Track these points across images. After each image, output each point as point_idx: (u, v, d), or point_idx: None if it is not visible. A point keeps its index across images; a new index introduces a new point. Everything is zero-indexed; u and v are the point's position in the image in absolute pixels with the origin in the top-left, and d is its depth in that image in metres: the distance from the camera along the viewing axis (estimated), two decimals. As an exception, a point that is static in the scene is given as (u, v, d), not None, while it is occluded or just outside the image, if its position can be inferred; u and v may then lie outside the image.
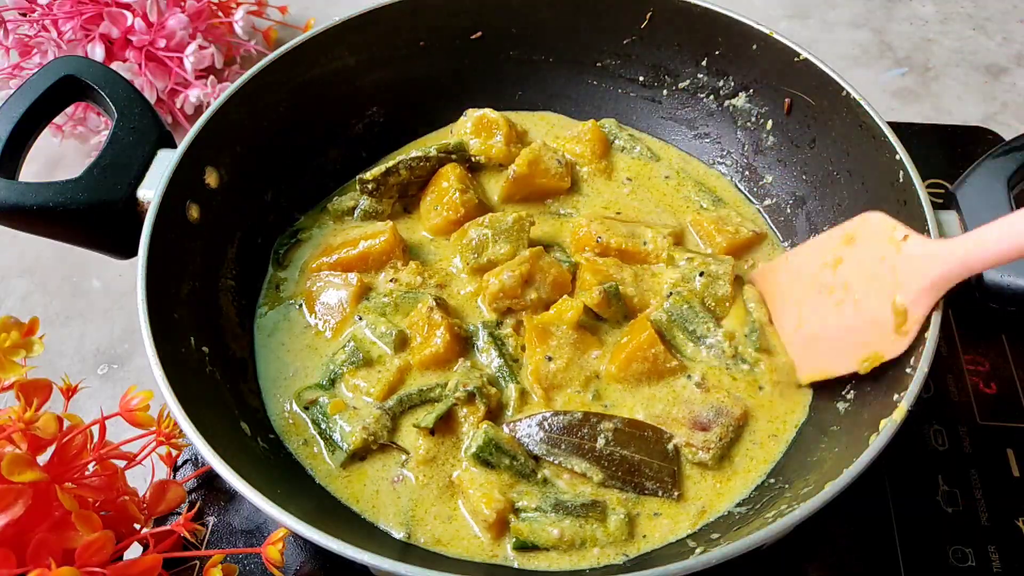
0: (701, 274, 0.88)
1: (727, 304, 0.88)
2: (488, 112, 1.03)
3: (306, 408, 0.83)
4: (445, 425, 0.80)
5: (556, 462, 0.77)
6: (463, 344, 0.86)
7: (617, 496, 0.76)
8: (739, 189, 1.03)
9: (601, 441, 0.77)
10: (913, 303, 0.72)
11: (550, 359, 0.82)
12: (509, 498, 0.75)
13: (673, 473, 0.77)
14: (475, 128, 1.02)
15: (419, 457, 0.78)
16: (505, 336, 0.86)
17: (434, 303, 0.85)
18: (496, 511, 0.73)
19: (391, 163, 0.95)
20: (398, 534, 0.75)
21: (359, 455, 0.80)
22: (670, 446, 0.77)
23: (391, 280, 0.91)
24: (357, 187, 0.96)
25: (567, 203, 1.01)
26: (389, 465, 0.80)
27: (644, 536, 0.75)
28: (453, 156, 0.99)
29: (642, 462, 0.76)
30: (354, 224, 0.98)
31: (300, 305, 0.91)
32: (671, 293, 0.88)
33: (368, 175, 0.95)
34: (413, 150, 0.97)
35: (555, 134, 1.07)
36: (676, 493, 0.76)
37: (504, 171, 1.00)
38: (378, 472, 0.79)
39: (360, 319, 0.88)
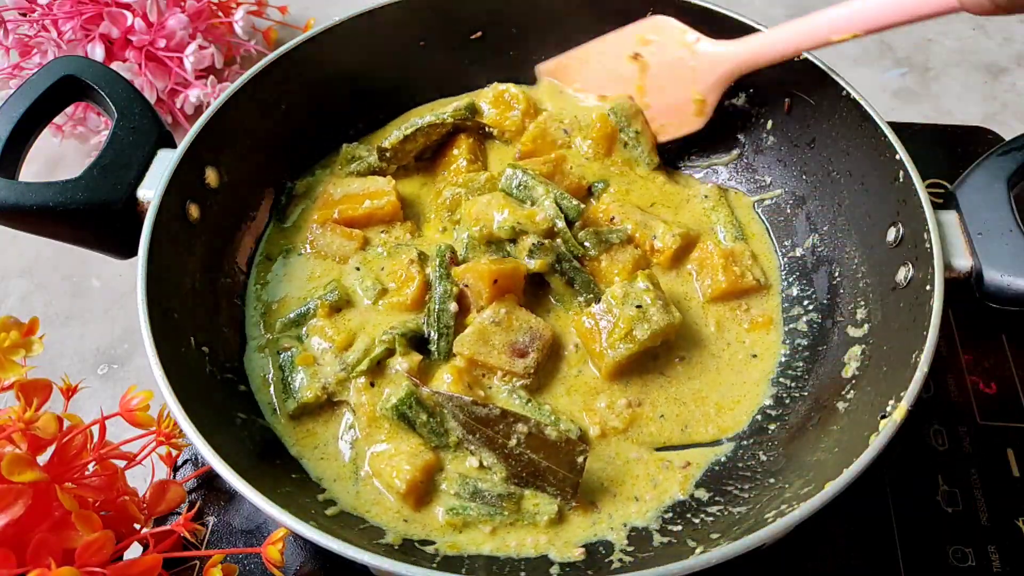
0: (639, 306, 0.83)
1: (627, 345, 0.83)
2: (511, 87, 1.05)
3: (278, 353, 0.86)
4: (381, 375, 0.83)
5: (469, 449, 0.78)
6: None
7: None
8: (768, 231, 1.00)
9: (513, 441, 0.76)
10: (709, 92, 0.96)
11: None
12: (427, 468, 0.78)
13: (575, 484, 0.76)
14: (495, 99, 1.04)
15: (361, 410, 0.81)
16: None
17: (416, 256, 0.89)
18: (408, 482, 0.76)
19: (409, 130, 0.98)
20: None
21: (308, 409, 0.82)
22: (579, 459, 0.76)
23: (382, 231, 0.95)
24: (376, 154, 0.99)
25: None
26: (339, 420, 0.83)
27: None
28: (468, 123, 1.02)
29: (548, 469, 0.76)
30: (352, 173, 1.00)
31: (302, 253, 0.95)
32: (599, 298, 0.86)
33: (387, 144, 0.98)
34: (428, 114, 1.00)
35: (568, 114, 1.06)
36: (573, 504, 0.77)
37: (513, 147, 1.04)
38: (327, 428, 0.82)
39: (358, 269, 0.91)
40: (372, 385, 0.82)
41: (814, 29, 0.83)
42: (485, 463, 0.78)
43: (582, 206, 0.92)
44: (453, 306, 0.85)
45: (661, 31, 0.96)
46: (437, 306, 0.85)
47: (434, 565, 0.70)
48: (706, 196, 1.01)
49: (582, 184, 0.99)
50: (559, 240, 0.89)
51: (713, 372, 0.88)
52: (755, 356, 0.89)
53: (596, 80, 1.03)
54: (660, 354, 0.88)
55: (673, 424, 0.84)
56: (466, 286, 0.85)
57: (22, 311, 1.05)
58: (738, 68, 0.92)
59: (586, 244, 0.91)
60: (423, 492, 0.77)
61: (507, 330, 0.83)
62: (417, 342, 0.85)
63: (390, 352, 0.83)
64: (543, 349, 0.84)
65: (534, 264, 0.87)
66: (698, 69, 0.94)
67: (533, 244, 0.87)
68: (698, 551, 0.69)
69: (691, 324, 0.90)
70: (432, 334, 0.85)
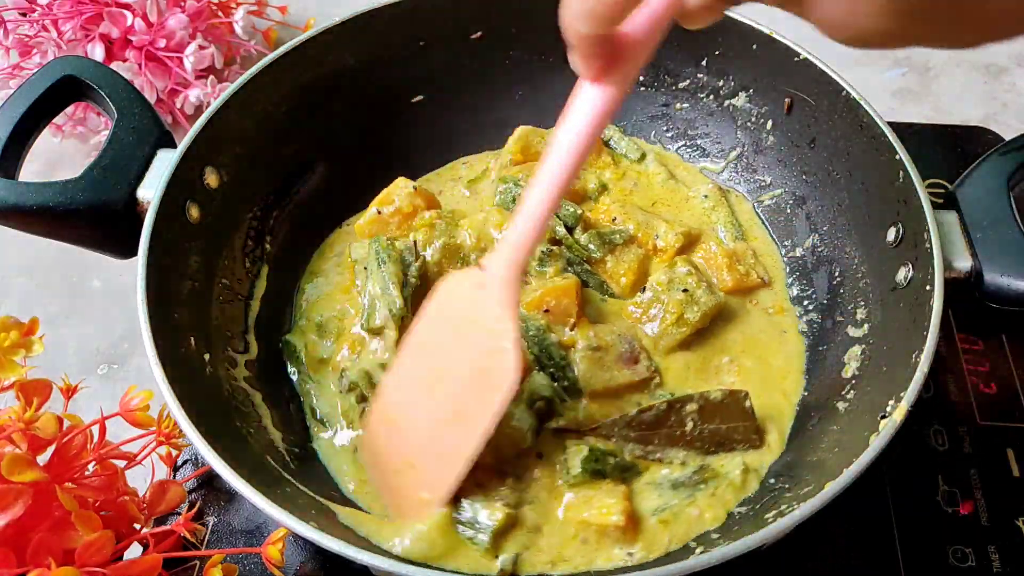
0: (685, 290, 0.86)
1: (680, 329, 0.85)
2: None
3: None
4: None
5: (655, 458, 0.77)
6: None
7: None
8: (768, 229, 1.01)
9: (690, 424, 0.77)
10: (499, 321, 0.69)
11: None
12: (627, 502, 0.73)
13: (757, 428, 0.78)
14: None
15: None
16: None
17: None
18: (623, 512, 0.72)
19: None
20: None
21: None
22: (747, 404, 0.78)
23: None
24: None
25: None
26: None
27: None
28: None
29: (730, 429, 0.77)
30: None
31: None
32: (644, 288, 0.88)
33: None
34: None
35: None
36: (760, 443, 0.78)
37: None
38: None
39: None
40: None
41: (562, 167, 0.65)
42: (676, 461, 0.76)
43: (579, 211, 0.93)
44: (553, 336, 0.82)
45: (447, 291, 0.74)
46: (539, 347, 0.81)
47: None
48: (706, 196, 1.01)
49: (577, 187, 1.00)
50: (565, 247, 0.90)
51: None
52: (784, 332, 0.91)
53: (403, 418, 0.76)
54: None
55: None
56: (547, 311, 0.84)
57: (22, 311, 1.05)
58: (513, 279, 0.69)
59: (591, 247, 0.91)
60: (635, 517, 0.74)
61: (607, 348, 0.83)
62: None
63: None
64: (640, 344, 0.85)
65: (550, 271, 0.87)
66: (485, 307, 0.71)
67: (542, 252, 0.88)
68: (698, 551, 0.69)
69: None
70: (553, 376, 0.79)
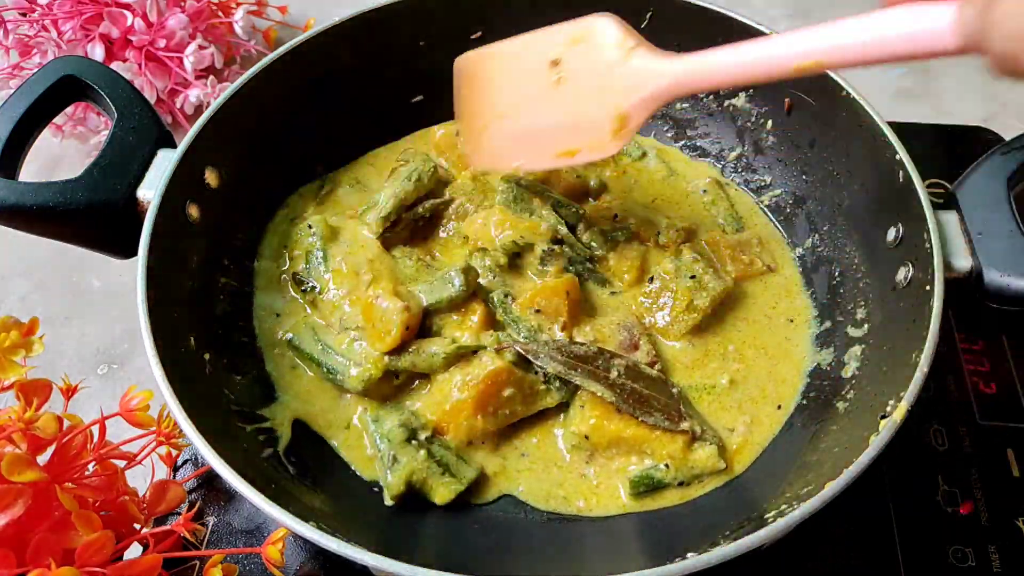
0: (692, 277, 0.88)
1: (691, 316, 0.87)
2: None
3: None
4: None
5: (574, 382, 0.79)
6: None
7: None
8: (770, 218, 1.02)
9: (614, 373, 0.79)
10: (635, 110, 0.76)
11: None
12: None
13: (679, 410, 0.80)
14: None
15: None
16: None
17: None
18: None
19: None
20: None
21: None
22: (674, 390, 0.82)
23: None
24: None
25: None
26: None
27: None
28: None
29: (650, 396, 0.79)
30: None
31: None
32: (652, 278, 0.89)
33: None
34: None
35: None
36: (681, 426, 0.78)
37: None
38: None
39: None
40: None
41: (775, 55, 0.68)
42: (595, 391, 0.78)
43: (581, 210, 0.93)
44: (544, 337, 0.83)
45: (597, 33, 0.78)
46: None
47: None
48: (705, 191, 1.02)
49: (578, 184, 1.00)
50: (567, 246, 0.90)
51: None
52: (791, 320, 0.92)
53: (500, 84, 0.86)
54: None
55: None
56: (538, 311, 0.85)
57: (22, 311, 1.05)
58: (677, 87, 0.74)
59: (593, 244, 0.92)
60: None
61: (605, 340, 0.85)
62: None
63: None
64: (643, 331, 0.86)
65: (551, 270, 0.88)
66: (628, 78, 0.76)
67: (544, 252, 0.88)
68: (699, 551, 0.69)
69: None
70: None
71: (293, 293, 0.91)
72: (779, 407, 0.84)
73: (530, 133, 0.83)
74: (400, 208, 0.91)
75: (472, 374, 0.79)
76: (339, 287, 0.86)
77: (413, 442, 0.78)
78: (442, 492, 0.76)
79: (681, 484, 0.79)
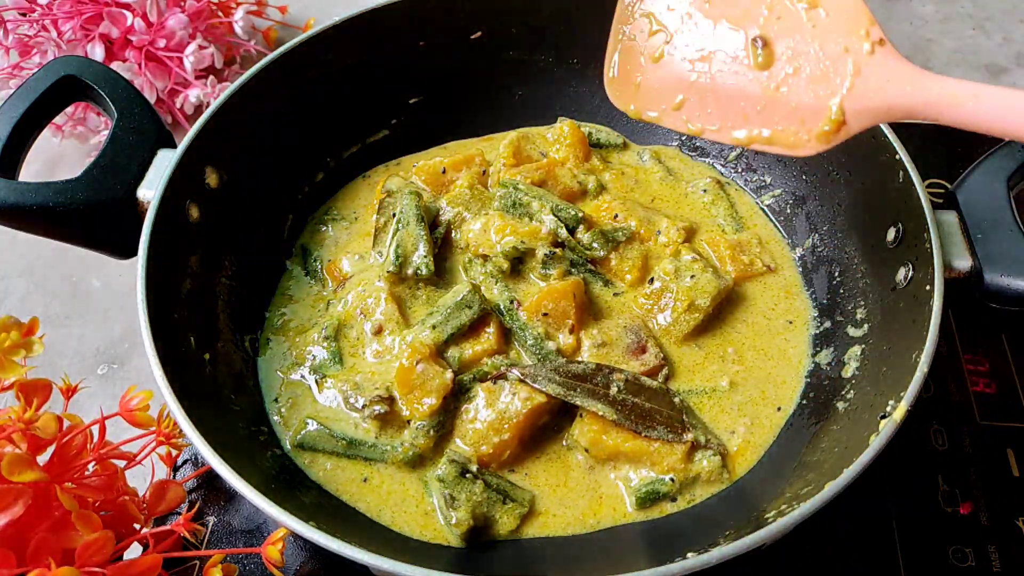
0: (692, 276, 0.88)
1: (693, 316, 0.87)
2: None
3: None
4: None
5: (573, 402, 0.79)
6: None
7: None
8: (770, 218, 1.01)
9: (614, 389, 0.79)
10: (856, 114, 0.62)
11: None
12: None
13: (682, 421, 0.79)
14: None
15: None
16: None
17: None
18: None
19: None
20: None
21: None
22: (676, 400, 0.81)
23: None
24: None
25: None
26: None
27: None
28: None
29: (652, 409, 0.79)
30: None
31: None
32: (652, 279, 0.89)
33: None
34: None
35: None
36: (684, 438, 0.78)
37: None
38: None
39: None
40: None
41: None
42: (596, 411, 0.78)
43: (580, 213, 0.93)
44: (551, 344, 0.84)
45: (838, 7, 0.63)
46: (537, 357, 0.84)
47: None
48: (705, 190, 1.02)
49: (577, 187, 1.00)
50: (568, 248, 0.91)
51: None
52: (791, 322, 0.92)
53: (704, 12, 0.69)
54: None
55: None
56: (546, 315, 0.85)
57: (22, 311, 1.05)
58: (926, 109, 0.60)
59: (595, 245, 0.92)
60: None
61: (613, 343, 0.85)
62: None
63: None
64: (649, 333, 0.86)
65: (554, 273, 0.88)
66: (867, 78, 0.61)
67: (545, 255, 0.88)
68: (699, 551, 0.69)
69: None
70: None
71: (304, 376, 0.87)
72: (779, 409, 0.84)
73: (715, 89, 0.68)
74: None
75: (510, 410, 0.78)
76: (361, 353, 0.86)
77: (467, 475, 0.76)
78: (506, 521, 0.76)
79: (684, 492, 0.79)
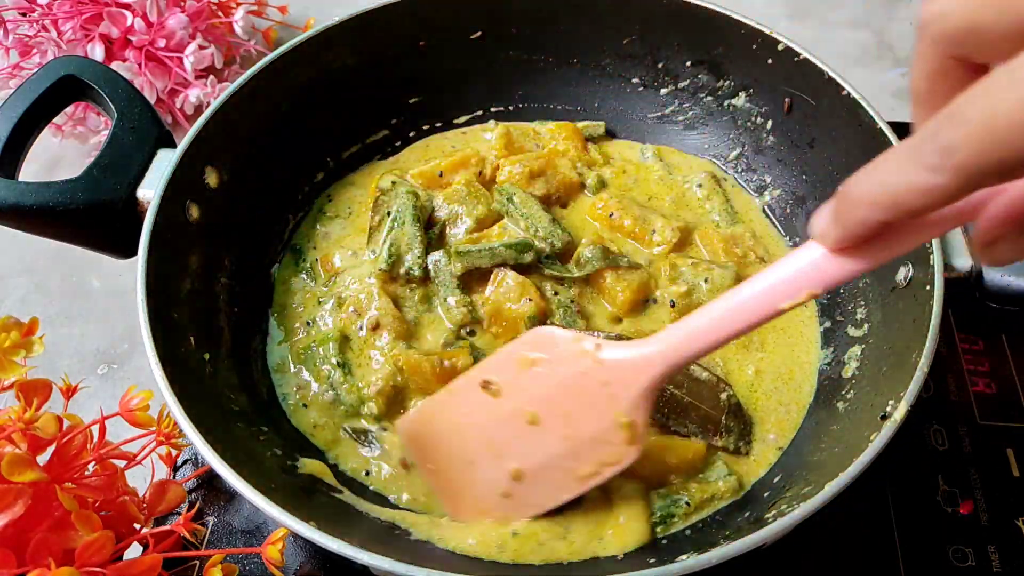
0: (706, 280, 0.88)
1: None
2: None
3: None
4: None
5: None
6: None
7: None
8: (770, 218, 1.01)
9: None
10: (634, 411, 0.66)
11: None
12: None
13: (718, 422, 0.77)
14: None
15: None
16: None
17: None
18: None
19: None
20: None
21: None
22: (723, 395, 0.78)
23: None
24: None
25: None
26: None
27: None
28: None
29: (690, 404, 0.76)
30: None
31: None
32: (673, 303, 0.88)
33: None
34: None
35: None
36: (714, 442, 0.76)
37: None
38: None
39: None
40: None
41: (760, 299, 0.57)
42: None
43: (569, 236, 0.92)
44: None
45: (546, 345, 0.69)
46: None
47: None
48: (700, 185, 1.02)
49: (576, 179, 1.00)
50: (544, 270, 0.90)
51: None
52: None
53: (464, 434, 0.73)
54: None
55: None
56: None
57: (22, 311, 1.05)
58: (668, 370, 0.64)
59: (593, 261, 0.89)
60: None
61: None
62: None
63: None
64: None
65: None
66: (613, 383, 0.66)
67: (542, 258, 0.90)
68: (699, 551, 0.69)
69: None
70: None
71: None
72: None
73: (526, 474, 0.71)
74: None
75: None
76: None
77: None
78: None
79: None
